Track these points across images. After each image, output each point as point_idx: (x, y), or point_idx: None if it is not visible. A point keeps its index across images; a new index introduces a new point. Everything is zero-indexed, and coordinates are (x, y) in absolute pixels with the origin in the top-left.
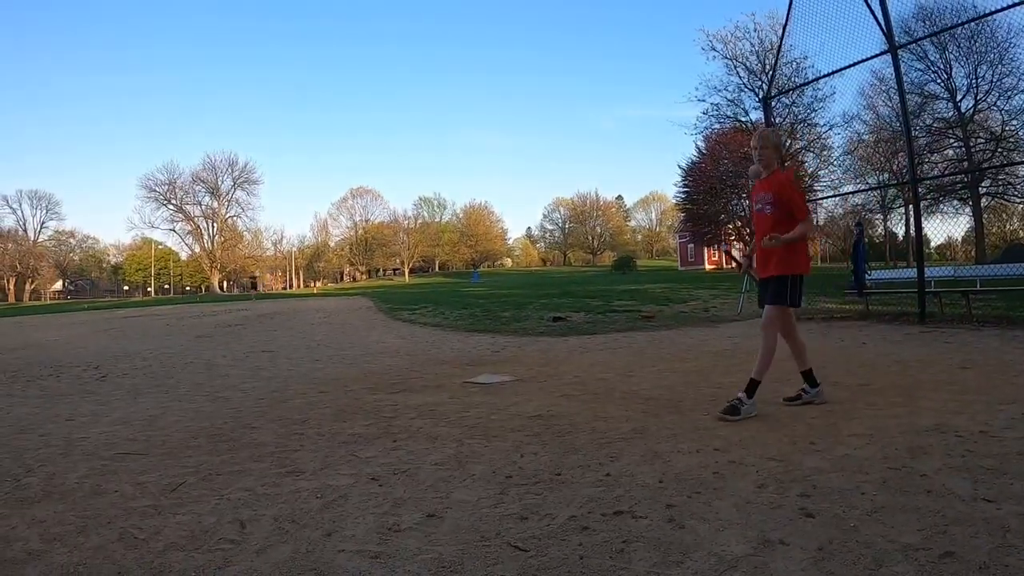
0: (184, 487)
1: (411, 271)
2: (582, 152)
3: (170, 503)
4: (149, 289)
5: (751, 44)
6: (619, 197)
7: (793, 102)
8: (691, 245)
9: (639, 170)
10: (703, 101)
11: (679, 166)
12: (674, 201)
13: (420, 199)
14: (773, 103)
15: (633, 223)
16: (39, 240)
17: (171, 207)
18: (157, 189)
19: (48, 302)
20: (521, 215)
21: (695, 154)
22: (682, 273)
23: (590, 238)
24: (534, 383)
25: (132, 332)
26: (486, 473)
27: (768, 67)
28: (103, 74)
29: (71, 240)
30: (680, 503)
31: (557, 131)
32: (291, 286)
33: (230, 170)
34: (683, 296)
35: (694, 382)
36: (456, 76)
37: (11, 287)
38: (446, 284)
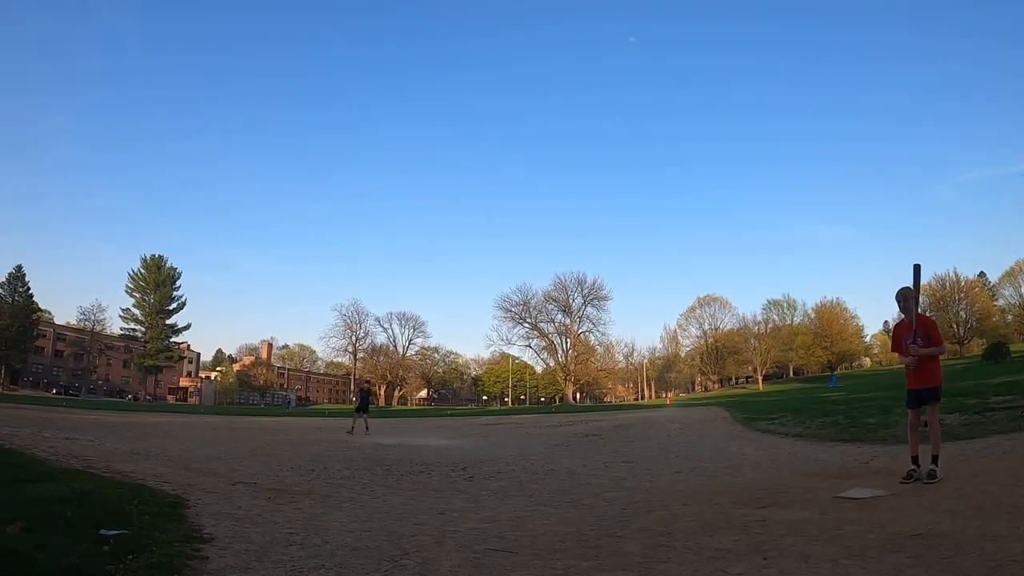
0: None
1: (764, 378)
2: (925, 229)
3: None
4: (506, 399)
5: None
6: (981, 274)
7: None
8: None
9: (996, 238)
10: None
11: None
12: None
13: (768, 302)
14: None
15: (1001, 301)
16: (407, 354)
17: (526, 325)
18: (512, 309)
19: (413, 407)
20: (876, 308)
21: None
22: None
23: (954, 326)
24: (910, 497)
25: (495, 438)
26: None
27: None
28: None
29: (435, 355)
30: None
31: (893, 211)
32: (642, 397)
33: (580, 288)
34: None
35: None
36: (782, 171)
37: (381, 392)
38: (802, 390)
